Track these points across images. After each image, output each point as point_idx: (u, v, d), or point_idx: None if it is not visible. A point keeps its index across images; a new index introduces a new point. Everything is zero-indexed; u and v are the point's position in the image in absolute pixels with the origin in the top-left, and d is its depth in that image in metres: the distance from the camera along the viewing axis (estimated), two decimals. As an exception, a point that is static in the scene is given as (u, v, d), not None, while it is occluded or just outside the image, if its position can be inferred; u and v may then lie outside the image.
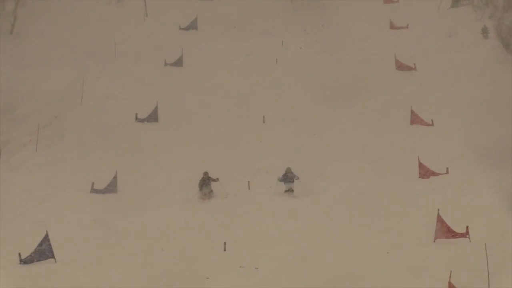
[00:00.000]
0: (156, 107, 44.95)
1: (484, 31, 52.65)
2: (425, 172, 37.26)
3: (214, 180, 36.42)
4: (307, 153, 40.20)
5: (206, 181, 36.36)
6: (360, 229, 31.76)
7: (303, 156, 39.61)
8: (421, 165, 37.39)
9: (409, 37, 55.13)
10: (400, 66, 51.16)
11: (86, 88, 47.16)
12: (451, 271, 24.82)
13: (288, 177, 36.62)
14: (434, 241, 30.46)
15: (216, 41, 54.91)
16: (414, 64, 51.25)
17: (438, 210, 30.79)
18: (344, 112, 45.15)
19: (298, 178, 36.60)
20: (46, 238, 29.44)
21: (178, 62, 52.27)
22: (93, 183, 36.37)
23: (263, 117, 44.81)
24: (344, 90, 47.28)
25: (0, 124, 43.87)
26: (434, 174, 37.12)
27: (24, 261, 29.14)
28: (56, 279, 27.75)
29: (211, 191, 36.36)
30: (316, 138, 42.32)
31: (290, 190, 36.40)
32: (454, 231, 30.45)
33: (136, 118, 44.51)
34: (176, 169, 38.56)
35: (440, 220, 30.59)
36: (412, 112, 43.71)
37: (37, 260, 29.26)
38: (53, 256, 29.41)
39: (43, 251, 29.39)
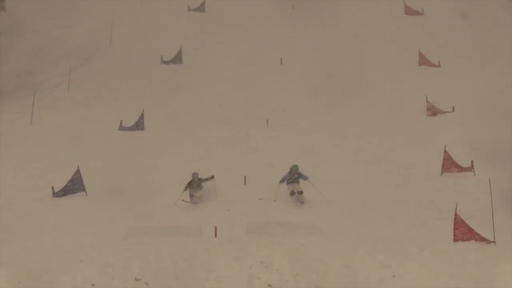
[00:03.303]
0: (180, 50, 44.51)
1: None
2: (432, 111, 36.69)
3: (206, 180, 29.45)
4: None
5: (196, 182, 29.24)
6: (370, 165, 31.49)
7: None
8: (428, 104, 36.84)
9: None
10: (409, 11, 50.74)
11: (114, 32, 46.89)
12: (457, 203, 24.49)
13: (293, 177, 28.74)
14: (441, 175, 30.22)
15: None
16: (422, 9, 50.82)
17: (445, 146, 30.52)
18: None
19: (306, 178, 28.65)
20: (77, 173, 29.41)
21: (201, 8, 51.90)
22: (121, 121, 36.14)
23: (280, 59, 44.04)
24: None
25: (34, 66, 44.11)
26: (441, 112, 36.55)
27: (57, 194, 29.12)
28: (86, 210, 27.83)
29: (200, 196, 29.06)
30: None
31: (296, 192, 28.58)
32: (460, 165, 30.26)
33: (162, 61, 44.16)
34: (199, 107, 38.15)
35: (446, 155, 30.38)
36: (420, 53, 43.26)
37: (69, 193, 29.18)
38: (84, 190, 29.33)
39: (75, 185, 29.35)
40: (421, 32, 47.38)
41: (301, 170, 28.90)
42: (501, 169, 29.58)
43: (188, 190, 28.95)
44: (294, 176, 28.70)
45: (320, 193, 27.92)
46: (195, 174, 29.16)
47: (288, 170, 28.93)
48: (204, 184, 29.24)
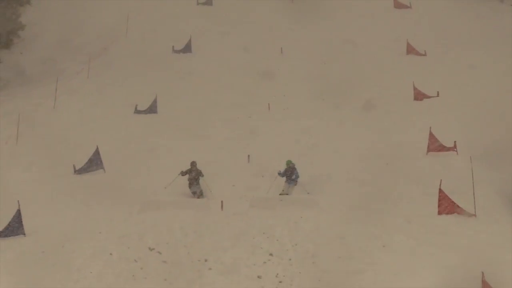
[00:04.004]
0: (190, 40, 44.32)
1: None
2: (418, 96, 36.51)
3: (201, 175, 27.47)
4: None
5: (195, 177, 27.36)
6: (363, 144, 31.37)
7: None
8: (415, 89, 36.66)
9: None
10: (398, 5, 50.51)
11: (130, 24, 46.69)
12: (441, 180, 24.44)
13: (288, 175, 27.06)
14: (426, 154, 30.12)
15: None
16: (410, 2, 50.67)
17: (430, 127, 30.42)
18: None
19: (296, 178, 26.94)
20: (97, 152, 29.37)
21: (209, 1, 51.62)
22: (136, 105, 35.96)
23: (281, 48, 43.86)
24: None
25: (57, 55, 44.07)
26: (426, 96, 36.39)
27: (78, 171, 29.05)
28: (104, 186, 27.70)
29: (201, 190, 27.26)
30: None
31: (285, 194, 26.74)
32: (444, 145, 30.18)
33: (173, 50, 43.93)
34: (207, 92, 38.02)
35: (432, 135, 30.23)
36: (407, 43, 43.09)
37: (89, 171, 29.14)
38: (102, 167, 29.28)
39: (94, 163, 29.32)
40: (409, 24, 47.15)
41: (300, 149, 28.84)
42: (481, 147, 29.68)
43: (189, 188, 27.25)
44: (288, 173, 26.91)
45: (308, 193, 26.63)
46: (193, 163, 27.52)
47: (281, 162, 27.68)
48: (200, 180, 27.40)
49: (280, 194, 26.76)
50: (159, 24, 47.68)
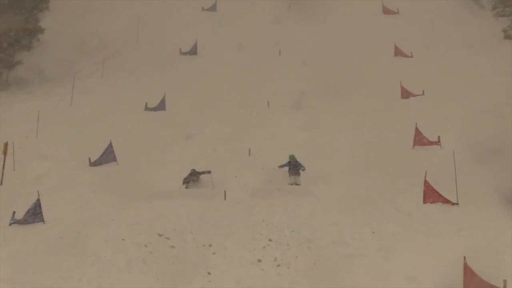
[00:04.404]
0: (196, 43, 44.23)
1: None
2: (405, 94, 36.39)
3: (203, 173, 27.19)
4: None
5: (193, 177, 27.12)
6: (354, 139, 31.38)
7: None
8: (402, 88, 36.54)
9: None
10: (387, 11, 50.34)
11: (141, 28, 46.62)
12: (426, 171, 24.36)
13: (292, 167, 27.17)
14: (413, 148, 30.03)
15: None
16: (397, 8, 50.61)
17: (416, 123, 30.34)
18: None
19: (304, 169, 27.07)
20: (110, 146, 29.28)
21: (213, 8, 51.60)
22: (146, 103, 35.84)
23: (279, 51, 43.74)
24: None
25: (74, 57, 44.15)
26: (412, 95, 36.28)
27: (93, 164, 28.96)
28: (117, 177, 27.65)
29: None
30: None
31: (295, 184, 26.76)
32: (428, 140, 30.12)
33: (181, 52, 43.85)
34: (211, 91, 37.91)
35: (417, 131, 30.16)
36: (395, 46, 42.97)
37: (103, 163, 29.06)
38: (115, 160, 29.19)
39: (108, 156, 29.25)
40: (397, 28, 46.99)
41: (296, 144, 28.72)
42: (463, 142, 29.64)
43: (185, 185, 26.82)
44: (292, 166, 26.95)
45: (315, 183, 26.55)
46: (193, 170, 27.12)
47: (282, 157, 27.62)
48: (201, 176, 27.21)
49: (289, 184, 26.62)
50: (167, 29, 47.64)
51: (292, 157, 27.28)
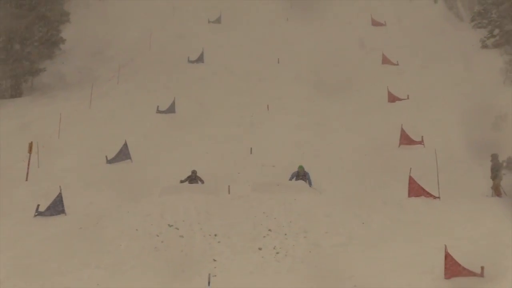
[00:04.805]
0: (202, 52, 44.21)
1: (434, -3, 51.92)
2: (392, 98, 36.37)
3: (201, 179, 25.80)
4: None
5: (193, 181, 25.77)
6: (346, 138, 31.34)
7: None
8: (389, 93, 36.54)
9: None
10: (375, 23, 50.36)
11: (153, 38, 46.65)
12: (410, 168, 24.35)
13: (300, 178, 25.39)
14: (398, 147, 30.05)
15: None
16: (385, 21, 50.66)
17: (401, 124, 30.37)
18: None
19: (311, 184, 25.13)
20: (125, 145, 29.27)
21: (218, 20, 51.64)
22: (158, 106, 35.82)
23: (278, 59, 43.70)
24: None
25: (92, 64, 44.25)
26: (398, 99, 36.26)
27: (109, 161, 28.97)
28: (132, 174, 27.60)
29: None
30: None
31: None
32: (413, 139, 30.16)
33: (189, 60, 43.84)
34: (216, 95, 37.91)
35: (403, 131, 30.26)
36: (383, 55, 42.97)
37: (119, 161, 29.07)
38: (130, 158, 29.19)
39: (123, 154, 29.23)
40: (384, 39, 46.96)
41: (293, 143, 28.70)
42: (444, 141, 29.69)
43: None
44: (300, 176, 25.30)
45: (319, 192, 24.86)
46: (194, 172, 26.00)
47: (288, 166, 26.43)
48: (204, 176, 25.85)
49: None
50: (177, 39, 47.67)
51: (301, 168, 25.59)
